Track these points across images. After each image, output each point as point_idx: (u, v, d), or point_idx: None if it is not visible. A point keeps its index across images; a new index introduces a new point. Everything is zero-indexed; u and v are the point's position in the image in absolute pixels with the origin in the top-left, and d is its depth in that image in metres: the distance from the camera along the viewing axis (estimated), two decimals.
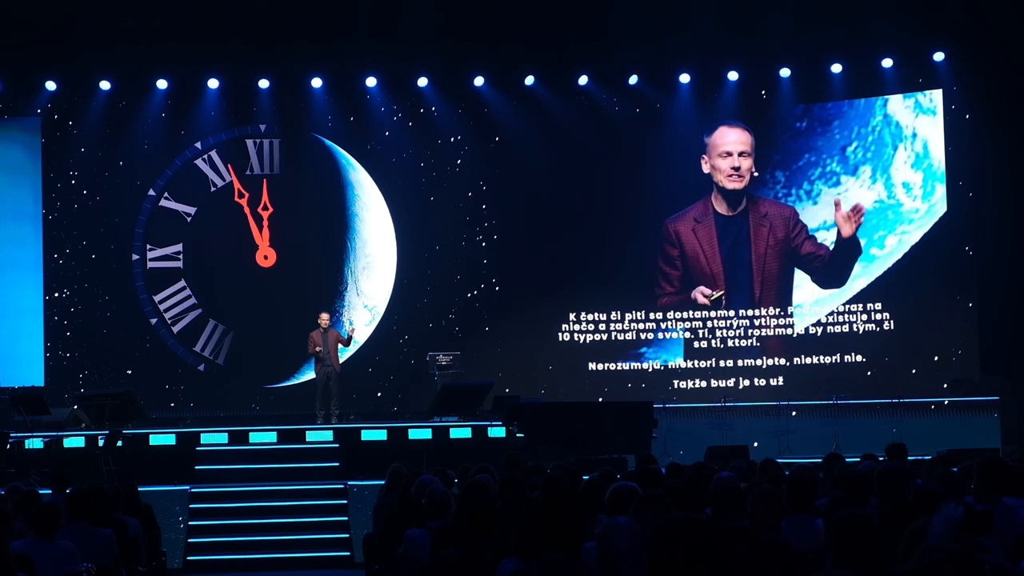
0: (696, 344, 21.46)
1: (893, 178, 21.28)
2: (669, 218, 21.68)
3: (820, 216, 21.54)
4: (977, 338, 20.50)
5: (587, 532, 5.96)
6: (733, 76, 21.48)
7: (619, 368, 21.50)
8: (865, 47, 20.91)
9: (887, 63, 21.11)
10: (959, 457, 11.28)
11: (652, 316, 21.60)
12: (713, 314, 21.45)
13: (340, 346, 19.62)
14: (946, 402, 19.89)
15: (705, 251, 21.55)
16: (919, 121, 21.16)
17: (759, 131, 21.68)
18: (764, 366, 21.32)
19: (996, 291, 20.26)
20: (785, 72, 21.41)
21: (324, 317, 19.64)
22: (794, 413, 19.87)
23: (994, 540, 5.15)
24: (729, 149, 21.59)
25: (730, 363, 21.38)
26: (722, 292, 21.25)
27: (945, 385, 20.38)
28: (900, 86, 21.25)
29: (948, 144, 20.94)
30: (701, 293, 21.39)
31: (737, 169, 21.50)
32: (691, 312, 21.52)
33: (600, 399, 20.71)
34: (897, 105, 21.34)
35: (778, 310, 21.36)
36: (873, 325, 21.03)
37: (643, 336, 21.55)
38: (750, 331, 21.38)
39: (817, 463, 11.12)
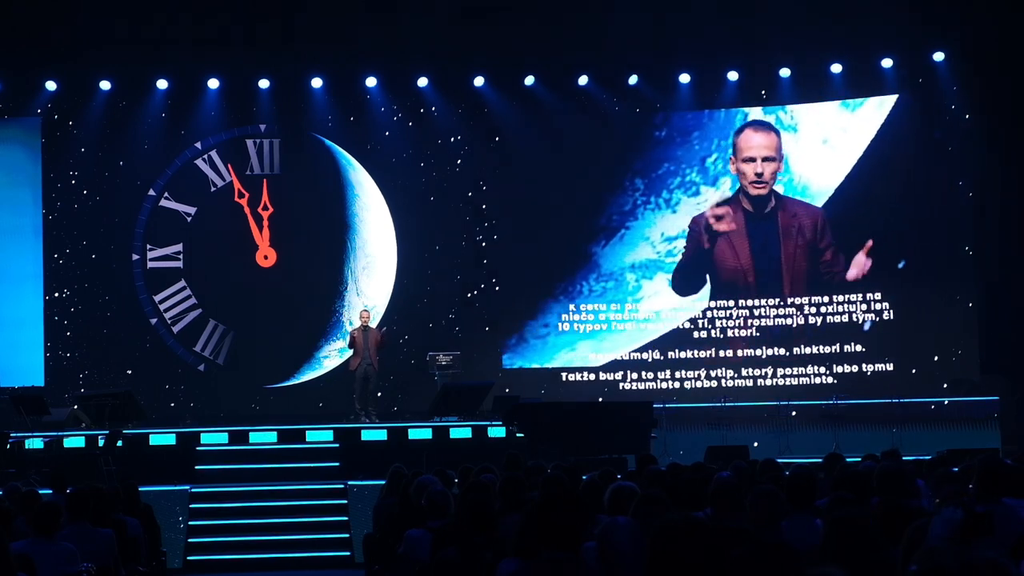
0: (696, 335, 21.49)
1: None
2: (697, 215, 21.65)
3: (679, 225, 21.66)
4: (977, 338, 20.51)
5: (587, 532, 5.97)
6: (733, 76, 21.49)
7: (619, 361, 21.52)
8: (865, 47, 20.91)
9: (887, 63, 21.11)
10: (959, 457, 11.27)
11: (651, 315, 21.60)
12: (714, 304, 21.47)
13: (380, 345, 19.17)
14: (946, 402, 19.90)
15: (735, 246, 21.50)
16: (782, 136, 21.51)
17: (621, 136, 21.67)
18: (764, 356, 21.34)
19: (996, 291, 20.26)
20: (785, 72, 21.41)
21: (365, 314, 19.54)
22: (794, 413, 19.88)
23: (994, 540, 5.15)
24: (752, 155, 21.56)
25: (729, 353, 21.41)
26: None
27: (945, 385, 20.40)
28: (898, 86, 21.24)
29: (948, 143, 20.98)
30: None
31: (760, 175, 21.48)
32: (692, 303, 21.53)
33: (600, 399, 20.71)
34: (757, 118, 21.60)
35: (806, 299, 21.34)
36: (873, 315, 21.06)
37: (644, 327, 21.55)
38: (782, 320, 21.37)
39: (817, 463, 11.11)
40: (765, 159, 21.53)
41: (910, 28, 20.33)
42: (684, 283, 21.57)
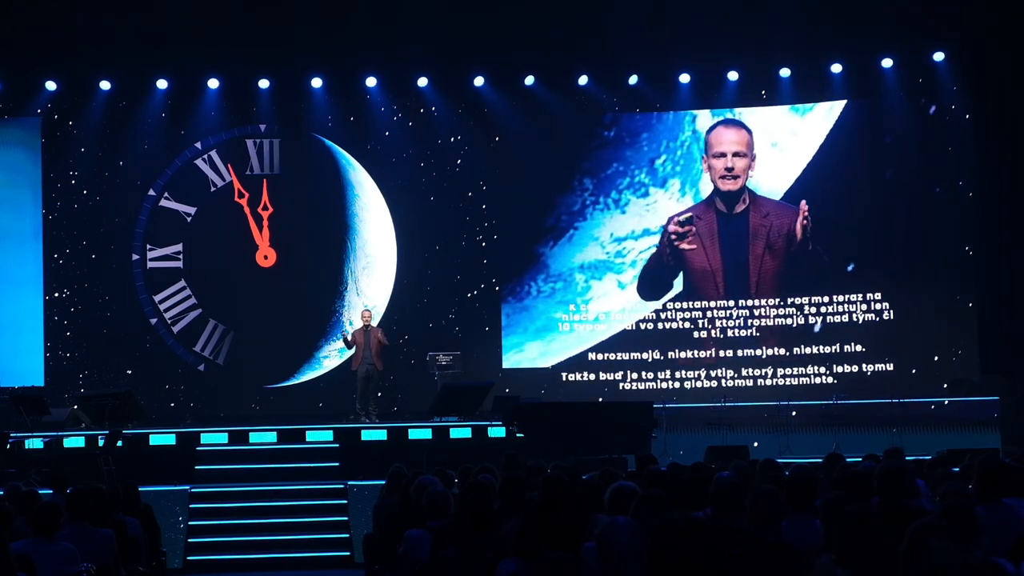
0: (696, 334, 21.48)
1: (701, 192, 21.64)
2: (672, 216, 21.68)
3: (628, 226, 21.67)
4: (977, 338, 20.50)
5: (587, 532, 5.97)
6: (733, 76, 21.48)
7: (619, 359, 21.51)
8: (866, 47, 20.91)
9: (887, 63, 21.11)
10: (959, 457, 11.28)
11: (653, 314, 21.60)
12: (713, 304, 21.47)
13: (382, 345, 19.13)
14: (946, 402, 19.89)
15: (705, 248, 21.53)
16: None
17: (569, 138, 21.70)
18: (764, 355, 21.33)
19: (996, 291, 20.25)
20: (785, 72, 21.41)
21: (366, 314, 19.51)
22: (794, 413, 19.87)
23: (994, 541, 5.15)
24: (723, 150, 21.62)
25: (729, 353, 21.40)
26: None
27: (945, 385, 20.39)
28: (899, 86, 21.24)
29: (948, 143, 20.98)
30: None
31: (731, 170, 21.53)
32: (692, 303, 21.53)
33: (600, 399, 20.72)
34: (705, 122, 21.61)
35: (778, 300, 21.33)
36: (873, 315, 21.05)
37: (644, 327, 21.54)
38: (749, 320, 21.39)
39: (817, 463, 11.11)
40: (735, 154, 21.56)
41: (910, 28, 20.31)
42: (649, 287, 21.55)
